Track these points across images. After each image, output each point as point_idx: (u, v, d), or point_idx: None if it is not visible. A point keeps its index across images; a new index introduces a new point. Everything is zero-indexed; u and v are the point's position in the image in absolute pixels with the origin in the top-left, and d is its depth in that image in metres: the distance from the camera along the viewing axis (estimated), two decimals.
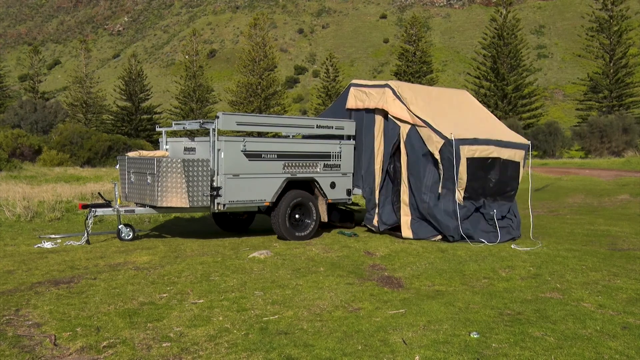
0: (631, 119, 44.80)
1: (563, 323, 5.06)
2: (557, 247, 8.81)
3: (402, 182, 9.44)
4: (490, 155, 9.28)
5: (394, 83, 9.86)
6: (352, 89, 10.26)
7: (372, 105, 9.87)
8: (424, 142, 9.13)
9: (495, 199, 9.52)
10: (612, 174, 24.42)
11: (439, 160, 8.93)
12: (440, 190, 9.03)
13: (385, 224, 9.75)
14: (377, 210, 9.83)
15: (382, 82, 10.09)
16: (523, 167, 9.89)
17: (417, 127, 9.23)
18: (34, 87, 67.49)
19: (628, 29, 54.95)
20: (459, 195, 9.04)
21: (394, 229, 9.71)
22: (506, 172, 9.55)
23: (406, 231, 9.35)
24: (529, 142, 10.13)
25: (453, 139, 8.82)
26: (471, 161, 9.01)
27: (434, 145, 8.95)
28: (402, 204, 9.46)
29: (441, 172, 8.99)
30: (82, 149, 32.73)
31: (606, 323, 5.07)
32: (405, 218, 9.41)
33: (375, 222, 9.86)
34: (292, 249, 8.41)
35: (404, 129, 9.37)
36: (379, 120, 9.77)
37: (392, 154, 9.63)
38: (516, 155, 9.71)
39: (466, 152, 8.94)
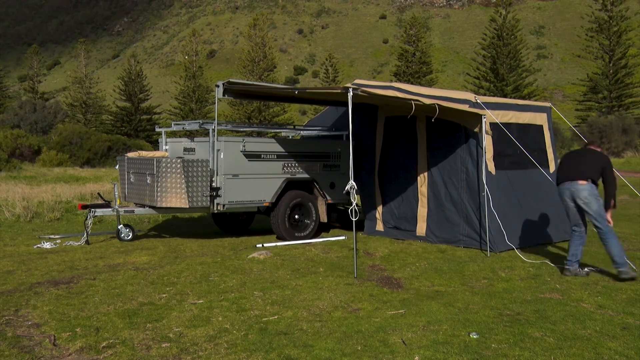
0: (631, 120, 44.72)
1: (563, 323, 5.06)
2: (557, 247, 8.82)
3: (419, 174, 9.13)
4: (510, 121, 8.88)
5: (397, 84, 9.84)
6: None
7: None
8: (442, 122, 8.63)
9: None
10: None
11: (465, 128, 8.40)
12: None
13: (395, 227, 9.43)
14: (378, 215, 9.74)
15: (386, 83, 10.06)
16: (550, 132, 9.54)
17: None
18: (33, 87, 67.41)
19: (627, 29, 54.91)
20: (491, 165, 8.53)
21: (402, 229, 9.37)
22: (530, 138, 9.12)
23: (421, 225, 9.05)
24: (549, 104, 9.81)
25: (479, 101, 8.47)
26: (494, 127, 8.61)
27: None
28: (420, 196, 9.09)
29: (469, 145, 8.45)
30: (81, 149, 32.74)
31: (606, 324, 5.07)
32: (423, 210, 9.07)
33: (379, 227, 9.69)
34: (292, 249, 8.40)
35: (421, 122, 9.07)
36: (381, 120, 9.76)
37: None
38: (536, 118, 9.42)
39: (488, 117, 8.56)
